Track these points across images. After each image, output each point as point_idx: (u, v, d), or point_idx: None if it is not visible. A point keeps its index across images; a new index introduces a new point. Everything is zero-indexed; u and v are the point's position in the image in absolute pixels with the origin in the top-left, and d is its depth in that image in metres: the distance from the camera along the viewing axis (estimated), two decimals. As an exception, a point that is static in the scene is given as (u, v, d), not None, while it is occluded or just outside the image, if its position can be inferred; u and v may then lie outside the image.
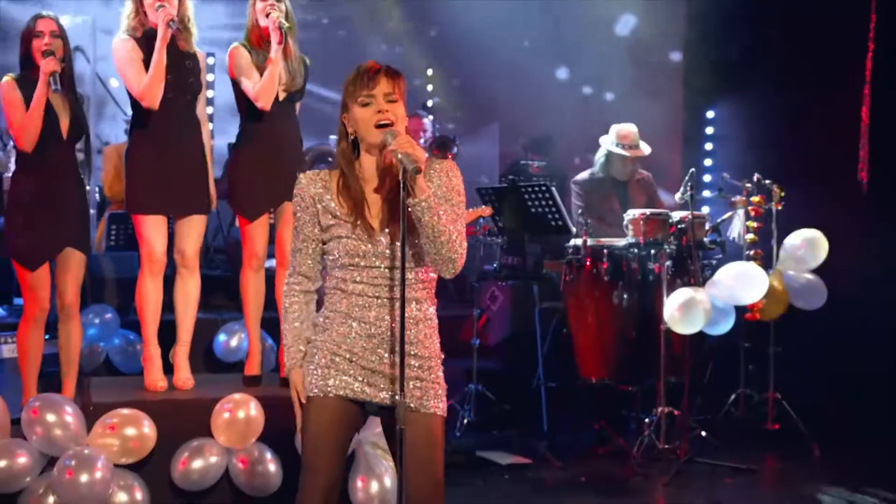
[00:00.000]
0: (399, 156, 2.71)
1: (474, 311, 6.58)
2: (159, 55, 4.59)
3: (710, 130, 8.96)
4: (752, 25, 8.01)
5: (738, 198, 6.24)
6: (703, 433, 5.72)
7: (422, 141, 8.29)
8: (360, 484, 4.58)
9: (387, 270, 2.85)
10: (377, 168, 2.88)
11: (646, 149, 6.36)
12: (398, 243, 2.79)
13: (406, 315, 2.81)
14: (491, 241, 6.80)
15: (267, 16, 4.69)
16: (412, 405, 2.83)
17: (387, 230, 2.85)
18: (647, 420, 5.73)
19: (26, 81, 4.65)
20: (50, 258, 4.72)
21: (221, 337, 5.96)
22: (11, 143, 6.74)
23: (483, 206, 5.94)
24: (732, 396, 6.49)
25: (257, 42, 4.81)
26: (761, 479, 5.57)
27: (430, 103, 9.75)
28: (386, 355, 2.85)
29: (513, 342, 6.90)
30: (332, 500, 2.93)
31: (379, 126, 2.82)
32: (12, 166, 6.61)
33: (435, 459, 2.87)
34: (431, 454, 2.85)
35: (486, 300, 7.22)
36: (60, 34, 4.72)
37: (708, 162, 8.97)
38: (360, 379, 2.86)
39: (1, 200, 6.11)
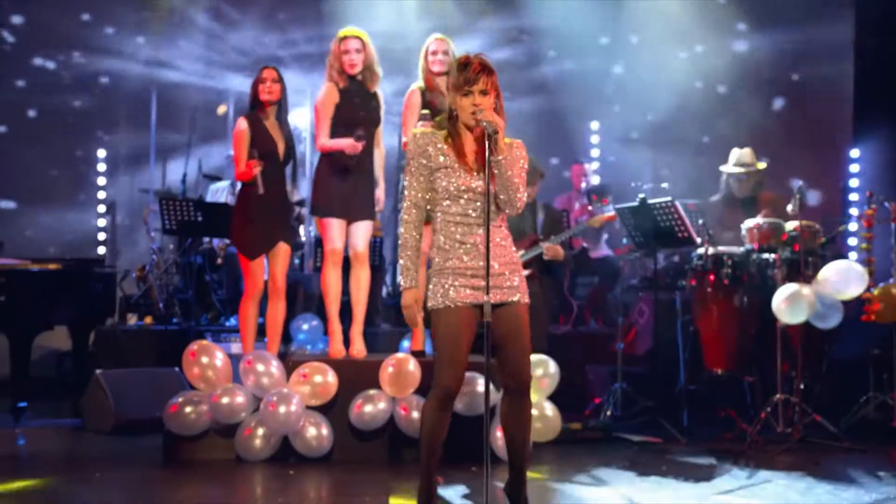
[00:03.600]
0: (483, 123, 3.86)
1: (619, 319, 7.51)
2: (334, 146, 5.87)
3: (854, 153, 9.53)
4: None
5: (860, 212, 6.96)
6: (818, 418, 6.31)
7: (583, 185, 9.30)
8: (499, 433, 5.58)
9: (482, 205, 3.92)
10: (471, 131, 4.00)
11: (759, 165, 7.19)
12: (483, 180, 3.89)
13: (498, 238, 3.96)
14: (632, 258, 7.70)
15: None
16: (510, 299, 3.97)
17: (481, 173, 3.95)
18: (767, 409, 6.41)
19: (253, 118, 6.02)
20: (265, 251, 5.97)
21: (405, 343, 7.11)
22: (238, 185, 8.34)
23: (610, 213, 6.83)
24: (863, 398, 7.03)
25: (430, 84, 6.06)
26: (867, 457, 6.07)
27: (594, 153, 10.70)
28: (483, 268, 3.89)
29: (658, 350, 7.58)
30: (458, 390, 4.00)
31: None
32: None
33: (524, 332, 4.00)
34: (522, 329, 3.99)
35: (634, 315, 8.09)
36: (279, 80, 6.06)
37: (854, 182, 9.51)
38: (472, 288, 3.95)
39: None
